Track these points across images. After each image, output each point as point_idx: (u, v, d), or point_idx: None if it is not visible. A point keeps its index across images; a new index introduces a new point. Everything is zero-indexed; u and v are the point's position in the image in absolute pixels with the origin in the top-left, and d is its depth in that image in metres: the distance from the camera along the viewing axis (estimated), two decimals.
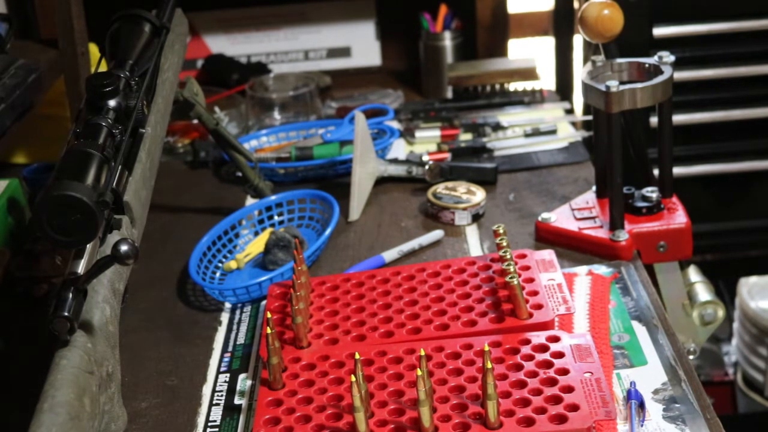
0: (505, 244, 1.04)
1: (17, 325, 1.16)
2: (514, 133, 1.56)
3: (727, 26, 1.68)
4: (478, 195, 1.31)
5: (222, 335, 1.11)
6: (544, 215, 1.23)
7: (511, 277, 0.98)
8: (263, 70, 1.91)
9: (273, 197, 1.33)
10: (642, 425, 0.88)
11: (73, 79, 1.42)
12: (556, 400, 0.86)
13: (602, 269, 1.14)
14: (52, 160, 1.43)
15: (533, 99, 1.69)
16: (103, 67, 1.02)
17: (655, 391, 0.93)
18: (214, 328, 1.12)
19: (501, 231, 1.06)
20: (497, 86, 1.73)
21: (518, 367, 0.91)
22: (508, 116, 1.64)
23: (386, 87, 1.84)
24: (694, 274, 1.32)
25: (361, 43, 1.97)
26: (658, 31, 1.66)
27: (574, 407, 0.85)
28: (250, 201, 1.41)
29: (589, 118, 1.41)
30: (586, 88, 1.14)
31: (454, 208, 1.29)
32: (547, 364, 0.91)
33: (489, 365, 0.82)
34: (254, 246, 1.27)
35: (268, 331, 0.93)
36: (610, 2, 1.14)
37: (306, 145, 1.52)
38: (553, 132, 1.55)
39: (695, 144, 1.74)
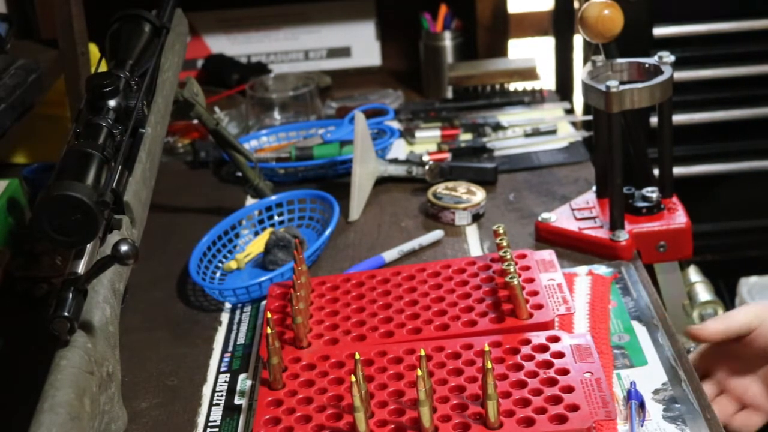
0: (505, 244, 1.04)
1: (17, 325, 1.16)
2: (514, 133, 1.56)
3: (727, 26, 1.68)
4: (478, 195, 1.31)
5: (222, 335, 1.11)
6: (544, 215, 1.23)
7: (511, 277, 0.97)
8: (263, 70, 1.91)
9: (273, 197, 1.33)
10: (642, 425, 0.88)
11: (73, 79, 1.42)
12: (556, 400, 0.86)
13: (602, 269, 1.14)
14: (52, 160, 1.43)
15: (533, 99, 1.69)
16: (103, 67, 1.02)
17: (655, 391, 0.93)
18: (214, 328, 1.12)
19: (501, 231, 1.06)
20: (497, 86, 1.73)
21: (518, 367, 0.91)
22: (508, 116, 1.64)
23: (386, 87, 1.84)
24: (694, 274, 1.33)
25: (361, 43, 1.97)
26: (658, 31, 1.66)
27: (574, 407, 0.85)
28: (250, 201, 1.41)
29: (589, 118, 1.41)
30: (586, 88, 1.14)
31: (454, 208, 1.29)
32: (547, 364, 0.91)
33: (489, 365, 0.82)
34: (254, 246, 1.27)
35: (268, 331, 0.93)
36: (610, 2, 1.14)
37: (306, 145, 1.52)
38: (553, 132, 1.55)
39: (695, 144, 1.74)
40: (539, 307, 1.00)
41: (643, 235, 1.17)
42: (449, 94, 1.75)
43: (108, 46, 1.03)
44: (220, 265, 1.25)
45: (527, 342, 0.95)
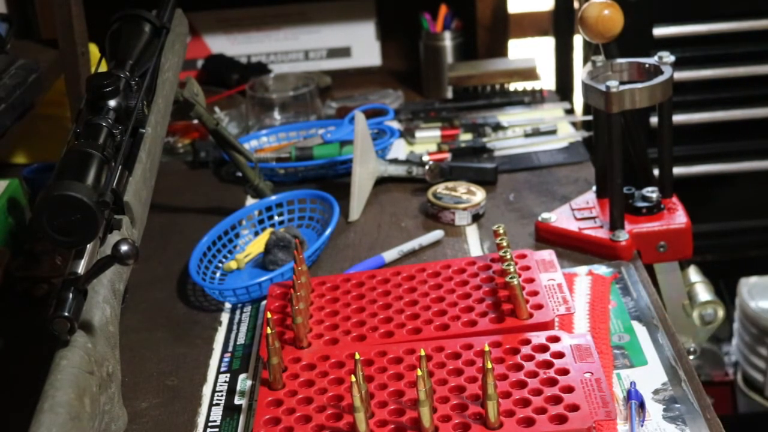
0: (505, 244, 1.04)
1: (17, 325, 1.16)
2: (514, 133, 1.56)
3: (727, 26, 1.68)
4: (478, 195, 1.31)
5: (222, 335, 1.11)
6: (544, 215, 1.23)
7: (511, 277, 0.97)
8: (263, 70, 1.91)
9: (273, 197, 1.33)
10: (642, 425, 0.88)
11: (73, 79, 1.42)
12: (556, 400, 0.86)
13: (602, 269, 1.14)
14: (52, 160, 1.43)
15: (533, 99, 1.69)
16: (103, 67, 1.02)
17: (655, 392, 0.93)
18: (214, 328, 1.12)
19: (501, 231, 1.06)
20: (497, 86, 1.73)
21: (518, 368, 0.91)
22: (508, 116, 1.64)
23: (386, 87, 1.84)
24: (694, 274, 1.32)
25: (361, 43, 1.97)
26: (658, 31, 1.66)
27: (574, 407, 0.85)
28: (250, 201, 1.41)
29: (589, 118, 1.41)
30: (586, 88, 1.14)
31: (455, 208, 1.29)
32: (547, 365, 0.91)
33: (489, 365, 0.82)
34: (254, 246, 1.27)
35: (269, 331, 0.93)
36: (610, 2, 1.14)
37: (306, 145, 1.52)
38: (553, 132, 1.55)
39: (695, 144, 1.74)
40: (539, 307, 1.00)
41: (643, 235, 1.17)
42: (449, 94, 1.75)
43: (108, 46, 1.03)
44: (220, 265, 1.25)
45: (527, 342, 0.95)
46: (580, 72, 1.74)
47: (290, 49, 1.98)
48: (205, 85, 1.56)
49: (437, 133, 1.58)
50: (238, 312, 1.15)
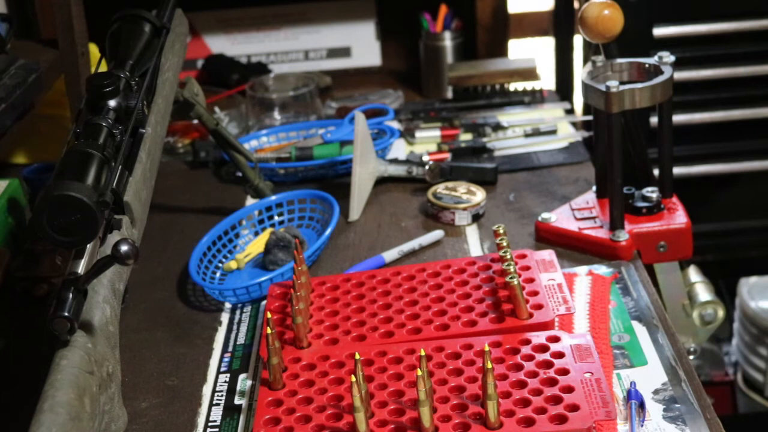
0: (505, 244, 1.04)
1: (17, 325, 1.16)
2: (514, 133, 1.56)
3: (727, 26, 1.68)
4: (478, 195, 1.31)
5: (222, 335, 1.11)
6: (544, 215, 1.23)
7: (511, 277, 0.97)
8: (263, 70, 1.91)
9: (273, 197, 1.33)
10: (642, 425, 0.88)
11: (73, 79, 1.42)
12: (556, 400, 0.86)
13: (602, 269, 1.14)
14: (52, 160, 1.43)
15: (533, 99, 1.69)
16: (103, 67, 1.02)
17: (656, 391, 0.93)
18: (214, 328, 1.12)
19: (501, 231, 1.06)
20: (497, 86, 1.73)
21: (518, 368, 0.91)
22: (508, 116, 1.64)
23: (386, 87, 1.84)
24: (694, 274, 1.33)
25: (361, 43, 1.97)
26: (658, 31, 1.66)
27: (574, 407, 0.85)
28: (250, 201, 1.41)
29: (589, 118, 1.41)
30: (586, 88, 1.14)
31: (455, 208, 1.29)
32: (547, 365, 0.91)
33: (489, 365, 0.82)
34: (254, 246, 1.27)
35: (269, 331, 0.93)
36: (610, 2, 1.14)
37: (306, 145, 1.52)
38: (553, 132, 1.55)
39: (695, 144, 1.74)
40: (539, 307, 1.00)
41: (643, 235, 1.17)
42: (449, 94, 1.75)
43: (108, 46, 1.03)
44: (220, 265, 1.25)
45: (527, 342, 0.95)
46: (580, 72, 1.74)
47: (290, 49, 1.98)
48: (205, 85, 1.56)
49: (437, 133, 1.58)
50: (238, 312, 1.15)
